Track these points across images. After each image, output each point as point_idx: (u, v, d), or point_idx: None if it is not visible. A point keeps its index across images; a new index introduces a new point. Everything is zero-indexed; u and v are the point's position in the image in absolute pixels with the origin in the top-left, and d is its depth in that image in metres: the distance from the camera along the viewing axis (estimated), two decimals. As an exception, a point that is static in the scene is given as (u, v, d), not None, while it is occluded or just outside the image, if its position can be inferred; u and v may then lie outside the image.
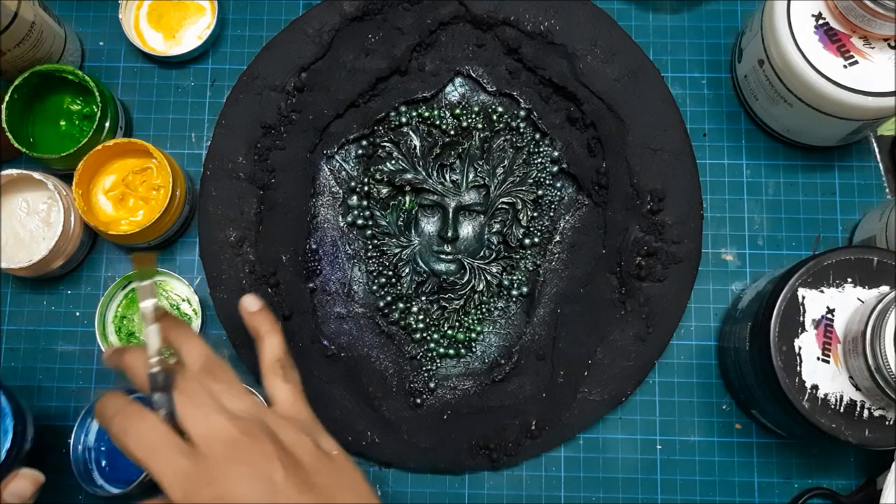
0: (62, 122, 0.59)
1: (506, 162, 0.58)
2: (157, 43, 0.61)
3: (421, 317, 0.57)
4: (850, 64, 0.50)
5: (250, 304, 0.46)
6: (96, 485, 0.54)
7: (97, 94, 0.56)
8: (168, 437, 0.37)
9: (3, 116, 0.55)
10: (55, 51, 0.58)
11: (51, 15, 0.57)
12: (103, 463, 0.55)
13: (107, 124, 0.57)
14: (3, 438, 0.51)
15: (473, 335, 0.57)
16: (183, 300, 0.58)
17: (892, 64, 0.50)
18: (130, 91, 0.61)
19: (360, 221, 0.58)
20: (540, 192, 0.58)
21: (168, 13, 0.61)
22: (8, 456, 0.51)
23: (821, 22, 0.50)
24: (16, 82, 0.55)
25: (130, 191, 0.57)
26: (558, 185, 0.59)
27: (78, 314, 0.58)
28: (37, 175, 0.55)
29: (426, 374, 0.57)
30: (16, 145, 0.55)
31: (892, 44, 0.50)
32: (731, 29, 0.61)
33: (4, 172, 0.55)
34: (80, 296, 0.59)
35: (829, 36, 0.50)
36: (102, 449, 0.56)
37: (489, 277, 0.57)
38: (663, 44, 0.61)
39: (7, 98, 0.55)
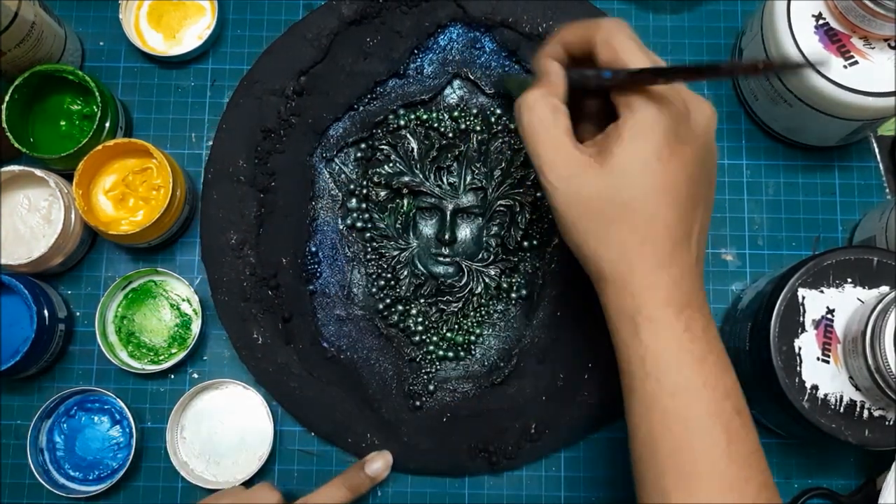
0: (62, 123, 0.59)
1: (503, 164, 0.58)
2: (157, 43, 0.61)
3: (420, 319, 0.57)
4: (851, 64, 0.50)
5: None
6: (58, 484, 0.55)
7: (97, 94, 0.56)
8: None
9: (4, 116, 0.55)
10: (55, 51, 0.58)
11: (51, 15, 0.57)
12: (63, 462, 0.56)
13: (107, 124, 0.56)
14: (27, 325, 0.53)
15: (472, 338, 0.57)
16: (183, 300, 0.58)
17: (892, 64, 0.50)
18: (130, 91, 0.61)
19: (359, 224, 0.58)
20: (539, 195, 0.58)
21: (168, 13, 0.61)
22: (36, 346, 0.53)
23: (821, 22, 0.50)
24: (16, 82, 0.55)
25: (130, 191, 0.57)
26: (558, 186, 0.59)
27: (78, 314, 0.58)
28: (38, 172, 0.55)
29: (426, 377, 0.57)
30: (16, 145, 0.55)
31: (892, 44, 0.50)
32: (732, 29, 0.61)
33: (6, 168, 0.55)
34: (80, 296, 0.58)
35: (830, 36, 0.50)
36: (60, 449, 0.56)
37: (487, 280, 0.57)
38: (663, 44, 0.61)
39: (7, 98, 0.55)
